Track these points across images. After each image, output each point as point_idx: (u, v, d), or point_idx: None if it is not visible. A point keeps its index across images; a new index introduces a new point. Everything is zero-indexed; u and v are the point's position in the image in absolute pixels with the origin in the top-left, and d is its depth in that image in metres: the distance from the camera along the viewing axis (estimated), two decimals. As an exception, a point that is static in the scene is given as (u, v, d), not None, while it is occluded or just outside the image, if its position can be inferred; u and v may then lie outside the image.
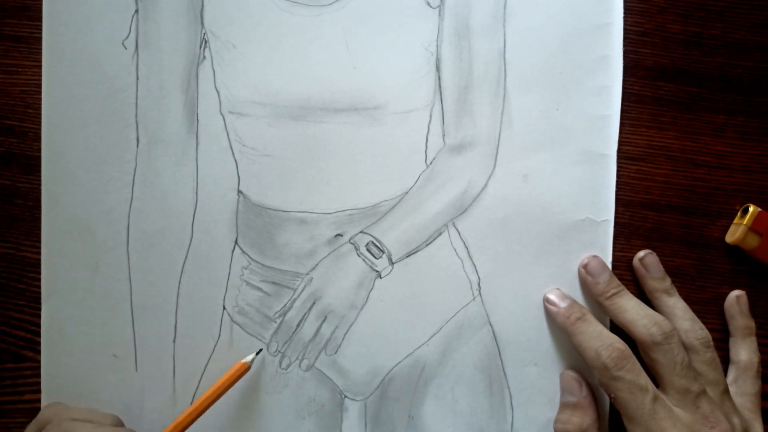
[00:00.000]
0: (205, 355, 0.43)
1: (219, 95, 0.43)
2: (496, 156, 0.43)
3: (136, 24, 0.43)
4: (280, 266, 0.43)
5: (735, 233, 0.43)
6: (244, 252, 0.43)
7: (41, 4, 0.43)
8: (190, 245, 0.43)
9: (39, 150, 0.43)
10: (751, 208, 0.43)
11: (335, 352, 0.43)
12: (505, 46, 0.43)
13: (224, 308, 0.43)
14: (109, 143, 0.43)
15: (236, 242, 0.43)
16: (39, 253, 0.43)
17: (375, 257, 0.43)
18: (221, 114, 0.43)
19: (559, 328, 0.42)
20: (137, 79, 0.43)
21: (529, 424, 0.43)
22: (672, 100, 0.44)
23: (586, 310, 0.41)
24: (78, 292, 0.43)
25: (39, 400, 0.42)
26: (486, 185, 0.43)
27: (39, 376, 0.42)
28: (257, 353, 0.42)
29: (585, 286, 0.43)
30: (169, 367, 0.43)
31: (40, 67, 0.43)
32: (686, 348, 0.40)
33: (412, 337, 0.43)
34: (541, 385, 0.43)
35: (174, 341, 0.43)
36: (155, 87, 0.43)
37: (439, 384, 0.43)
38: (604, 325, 0.42)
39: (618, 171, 0.43)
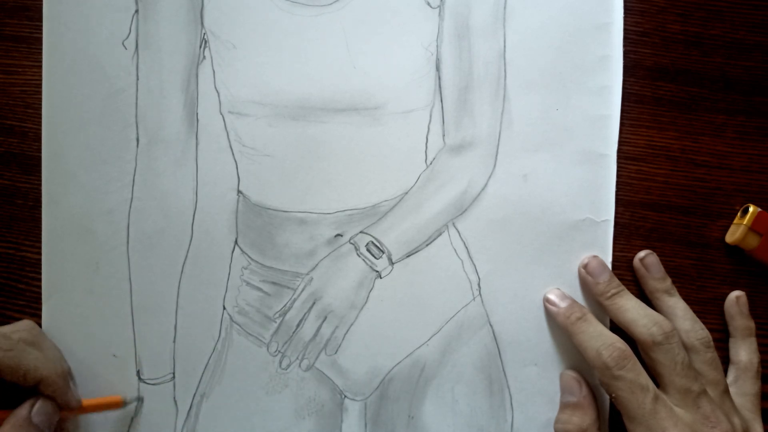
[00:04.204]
0: (205, 355, 0.43)
1: (219, 95, 0.43)
2: (496, 156, 0.43)
3: (136, 24, 0.43)
4: (280, 266, 0.43)
5: (735, 233, 0.43)
6: (244, 252, 0.43)
7: (41, 4, 0.43)
8: (190, 245, 0.43)
9: (39, 150, 0.43)
10: (751, 208, 0.43)
11: (335, 352, 0.43)
12: (505, 46, 0.43)
13: (224, 308, 0.43)
14: (109, 143, 0.43)
15: (236, 242, 0.43)
16: (39, 253, 0.43)
17: (375, 257, 0.43)
18: (221, 114, 0.43)
19: (560, 328, 0.42)
20: (137, 79, 0.43)
21: (529, 424, 0.43)
22: (672, 100, 0.44)
23: (586, 310, 0.41)
24: (78, 292, 0.42)
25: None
26: (486, 185, 0.43)
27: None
28: (138, 400, 0.42)
29: (585, 286, 0.43)
30: (170, 366, 0.43)
31: (40, 67, 0.43)
32: (686, 348, 0.40)
33: (412, 337, 0.43)
34: (541, 385, 0.43)
35: (174, 341, 0.43)
36: (155, 87, 0.43)
37: (439, 384, 0.43)
38: (604, 325, 0.42)
39: (618, 171, 0.43)
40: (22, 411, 0.37)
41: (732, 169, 0.44)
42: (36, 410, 0.37)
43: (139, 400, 0.42)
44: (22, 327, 0.39)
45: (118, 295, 0.43)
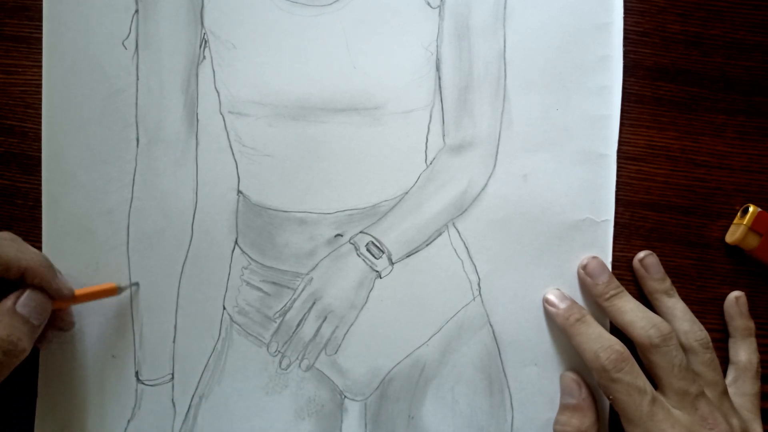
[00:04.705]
0: (204, 355, 0.43)
1: (219, 95, 0.43)
2: (496, 156, 0.43)
3: (136, 24, 0.43)
4: (280, 266, 0.43)
5: (735, 233, 0.43)
6: (244, 252, 0.43)
7: (41, 4, 0.43)
8: (190, 245, 0.43)
9: (39, 150, 0.43)
10: (751, 208, 0.43)
11: (335, 352, 0.43)
12: (505, 46, 0.43)
13: (224, 308, 0.43)
14: (109, 143, 0.43)
15: (236, 242, 0.43)
16: (39, 253, 0.43)
17: (375, 257, 0.43)
18: (221, 114, 0.43)
19: (559, 329, 0.42)
20: (137, 79, 0.43)
21: (529, 424, 0.43)
22: (672, 100, 0.44)
23: (585, 312, 0.41)
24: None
25: (35, 402, 0.42)
26: (486, 185, 0.43)
27: (36, 376, 0.42)
28: (133, 284, 0.42)
29: (584, 287, 0.43)
30: (168, 367, 0.43)
31: (40, 67, 0.43)
32: (685, 349, 0.40)
33: (412, 337, 0.43)
34: (541, 385, 0.43)
35: (174, 341, 0.43)
36: (155, 87, 0.43)
37: (439, 384, 0.43)
38: (605, 326, 0.42)
39: (618, 171, 0.43)
40: (7, 302, 0.36)
41: (732, 169, 0.44)
42: (22, 300, 0.36)
43: (135, 285, 0.42)
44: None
45: (118, 295, 0.43)
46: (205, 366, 0.43)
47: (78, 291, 0.40)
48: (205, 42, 0.43)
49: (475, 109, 0.43)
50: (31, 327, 0.36)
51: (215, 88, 0.43)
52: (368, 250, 0.43)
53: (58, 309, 0.39)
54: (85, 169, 0.43)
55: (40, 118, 0.43)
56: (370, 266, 0.43)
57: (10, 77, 0.44)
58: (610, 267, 0.43)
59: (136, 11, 0.43)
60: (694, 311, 0.41)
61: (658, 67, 0.44)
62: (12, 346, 0.35)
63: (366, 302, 0.43)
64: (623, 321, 0.40)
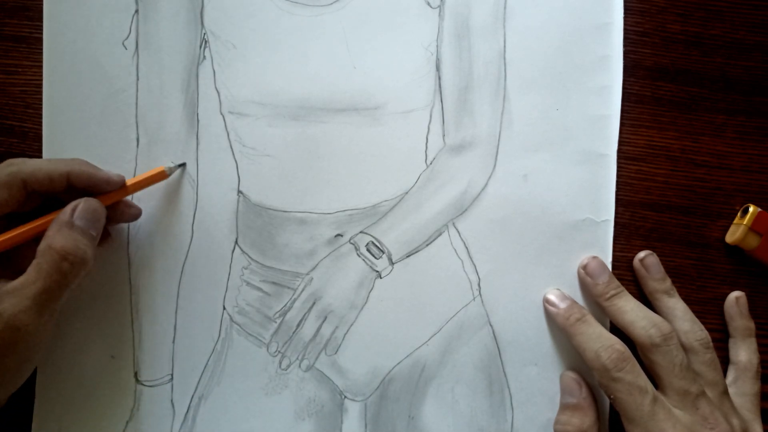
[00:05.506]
0: (204, 355, 0.43)
1: (219, 95, 0.43)
2: (496, 156, 0.43)
3: (136, 24, 0.43)
4: (280, 266, 0.43)
5: (735, 233, 0.43)
6: (244, 252, 0.43)
7: (41, 4, 0.43)
8: (190, 245, 0.43)
9: (39, 150, 0.43)
10: (751, 208, 0.43)
11: (335, 353, 0.43)
12: (505, 46, 0.43)
13: (224, 308, 0.43)
14: (109, 143, 0.43)
15: (236, 242, 0.43)
16: (39, 253, 0.42)
17: (375, 257, 0.43)
18: (221, 114, 0.43)
19: (559, 329, 0.42)
20: (137, 79, 0.43)
21: (529, 424, 0.43)
22: (672, 100, 0.44)
23: (585, 311, 0.41)
24: (77, 292, 0.42)
25: (32, 402, 0.42)
26: (486, 185, 0.43)
27: (35, 377, 0.42)
28: (180, 165, 0.42)
29: (584, 287, 0.43)
30: (168, 367, 0.43)
31: (40, 67, 0.43)
32: (686, 349, 0.40)
33: (412, 337, 0.43)
34: (541, 385, 0.43)
35: (173, 342, 0.43)
36: (155, 87, 0.43)
37: (439, 384, 0.43)
38: (605, 326, 0.42)
39: (618, 171, 0.43)
40: (64, 216, 0.36)
41: (732, 169, 0.44)
42: (78, 213, 0.36)
43: (182, 165, 0.43)
44: None
45: (118, 295, 0.43)
46: (205, 366, 0.43)
47: (128, 181, 0.40)
48: (206, 42, 0.43)
49: (475, 109, 0.43)
50: (90, 237, 0.36)
51: (215, 88, 0.43)
52: (368, 250, 0.43)
53: (116, 203, 0.39)
54: (84, 169, 0.42)
55: (40, 118, 0.43)
56: (370, 266, 0.43)
57: (10, 77, 0.44)
58: (610, 267, 0.43)
59: (136, 11, 0.43)
60: (694, 311, 0.41)
61: (658, 67, 0.44)
62: (79, 259, 0.35)
63: (366, 302, 0.43)
64: (623, 321, 0.40)
